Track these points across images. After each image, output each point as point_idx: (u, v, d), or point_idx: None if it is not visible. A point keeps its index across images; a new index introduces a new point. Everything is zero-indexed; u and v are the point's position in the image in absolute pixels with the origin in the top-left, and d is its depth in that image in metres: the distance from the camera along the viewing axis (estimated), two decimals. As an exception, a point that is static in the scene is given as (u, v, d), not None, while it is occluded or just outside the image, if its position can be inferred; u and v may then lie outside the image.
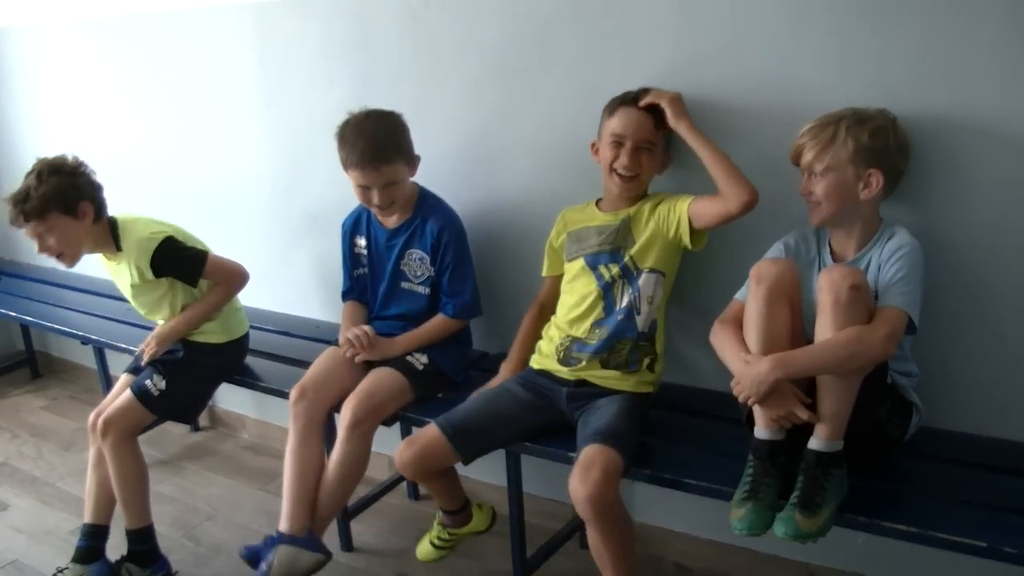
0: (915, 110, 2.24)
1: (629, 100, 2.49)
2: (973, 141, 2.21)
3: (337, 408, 2.74)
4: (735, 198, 2.31)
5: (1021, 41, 2.10)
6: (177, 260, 2.94)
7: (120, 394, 2.95)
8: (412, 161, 2.80)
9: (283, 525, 2.68)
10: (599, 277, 2.55)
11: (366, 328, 2.81)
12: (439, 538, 2.92)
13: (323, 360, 2.86)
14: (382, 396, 2.70)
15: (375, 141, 2.69)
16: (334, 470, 2.70)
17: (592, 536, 2.32)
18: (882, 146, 2.18)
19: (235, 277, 3.03)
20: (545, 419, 2.54)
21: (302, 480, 2.70)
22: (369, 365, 2.80)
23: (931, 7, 2.18)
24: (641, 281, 2.50)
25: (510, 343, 2.82)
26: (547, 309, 2.73)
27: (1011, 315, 2.28)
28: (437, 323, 2.87)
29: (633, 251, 2.51)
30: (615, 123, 2.50)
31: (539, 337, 2.70)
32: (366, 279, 3.01)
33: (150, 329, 3.18)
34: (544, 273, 2.76)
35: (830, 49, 2.32)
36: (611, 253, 2.54)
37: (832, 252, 2.31)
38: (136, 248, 2.90)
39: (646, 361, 2.54)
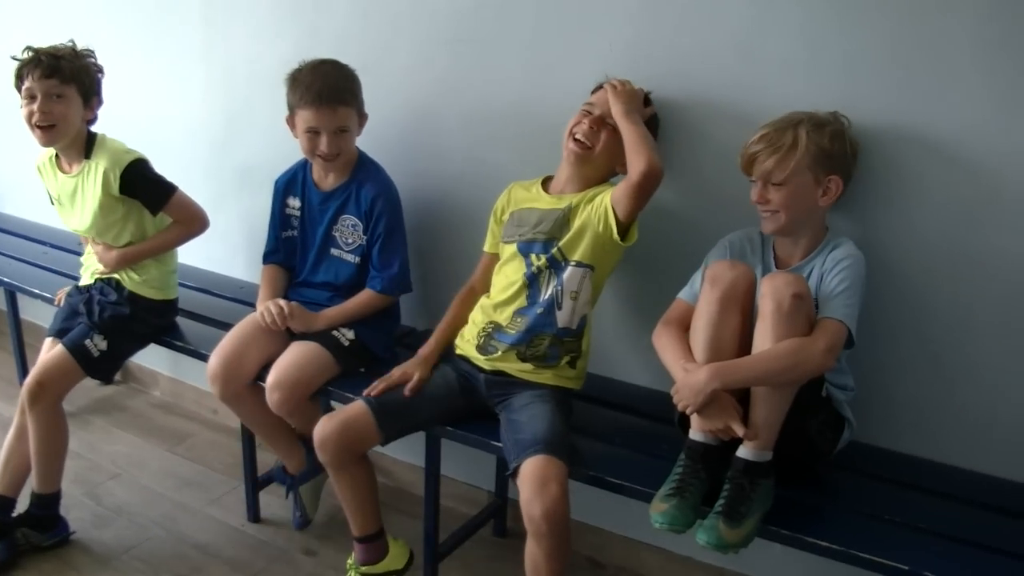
0: (872, 118, 2.20)
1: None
2: (926, 156, 2.18)
3: (259, 377, 2.67)
4: (634, 167, 2.23)
5: (987, 61, 2.07)
6: (147, 182, 2.82)
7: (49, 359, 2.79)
8: (363, 116, 2.74)
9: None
10: (528, 265, 2.45)
11: (282, 303, 2.70)
12: None
13: (240, 329, 2.76)
14: (304, 376, 2.61)
15: (333, 81, 2.63)
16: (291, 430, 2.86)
17: (535, 551, 2.20)
18: (840, 151, 2.14)
19: (196, 220, 2.91)
20: (469, 402, 2.47)
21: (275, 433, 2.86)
22: (292, 334, 2.70)
23: (902, 15, 2.14)
24: (566, 274, 2.40)
25: (435, 319, 2.73)
26: (477, 291, 2.64)
27: (946, 335, 2.26)
28: (364, 298, 2.77)
29: (562, 242, 2.41)
30: (592, 97, 2.44)
31: (464, 320, 2.61)
32: (295, 242, 2.90)
33: (70, 277, 3.07)
34: (485, 248, 2.65)
35: (796, 49, 2.27)
36: (544, 242, 2.44)
37: (776, 257, 2.26)
38: (110, 157, 2.77)
39: (566, 357, 2.46)
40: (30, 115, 2.71)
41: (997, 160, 2.11)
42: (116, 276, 2.89)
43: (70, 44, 2.80)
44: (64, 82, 2.71)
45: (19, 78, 2.72)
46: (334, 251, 2.82)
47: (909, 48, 2.14)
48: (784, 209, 2.14)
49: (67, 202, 2.89)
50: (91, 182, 2.79)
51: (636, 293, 2.60)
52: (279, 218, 2.91)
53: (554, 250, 2.41)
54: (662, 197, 2.39)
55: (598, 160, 2.41)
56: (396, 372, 2.50)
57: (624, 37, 2.49)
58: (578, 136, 2.40)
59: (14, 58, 2.74)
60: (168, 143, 2.95)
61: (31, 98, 2.70)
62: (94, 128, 2.86)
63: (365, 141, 2.81)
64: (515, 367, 2.44)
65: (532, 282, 2.44)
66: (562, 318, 2.41)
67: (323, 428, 2.42)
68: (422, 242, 2.91)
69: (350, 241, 2.79)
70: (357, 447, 2.48)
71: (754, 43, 2.32)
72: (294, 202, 2.88)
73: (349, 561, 2.68)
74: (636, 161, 2.24)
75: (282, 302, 2.70)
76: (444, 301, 2.73)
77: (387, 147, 2.88)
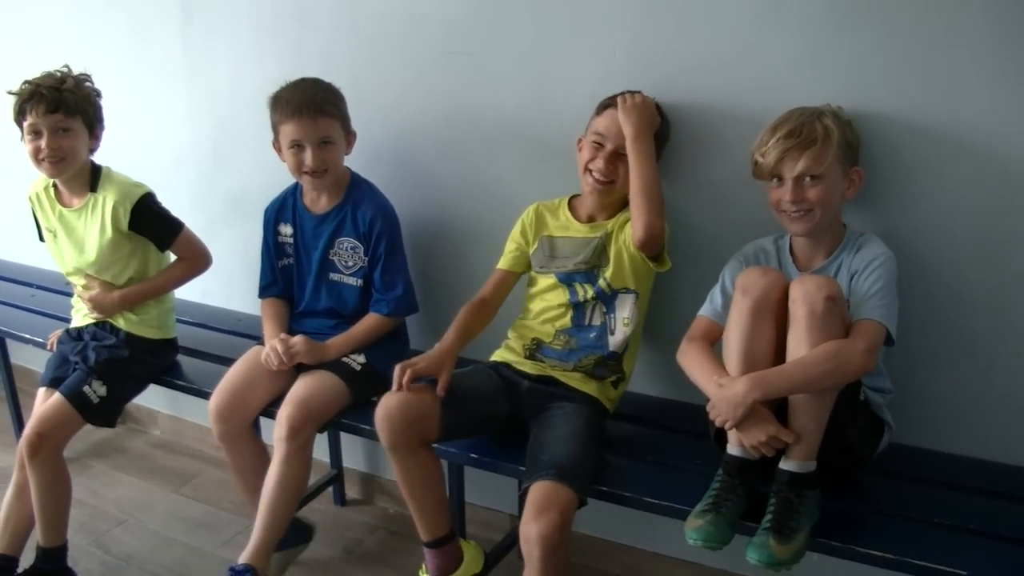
0: (887, 109, 2.14)
1: (613, 102, 2.34)
2: (945, 145, 2.12)
3: (264, 414, 2.58)
4: (635, 230, 2.24)
5: (1002, 51, 2.01)
6: (156, 218, 2.76)
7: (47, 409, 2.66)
8: (349, 130, 2.67)
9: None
10: (572, 293, 2.42)
11: (285, 341, 2.59)
12: None
13: (243, 364, 2.66)
14: (319, 401, 2.51)
15: (313, 93, 2.58)
16: (276, 489, 2.49)
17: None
18: (857, 141, 2.10)
19: (201, 257, 2.84)
20: (512, 406, 2.38)
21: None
22: (298, 368, 2.61)
23: (914, 8, 2.07)
24: (617, 302, 2.39)
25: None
26: (489, 305, 2.54)
27: (980, 325, 2.19)
28: (371, 323, 2.68)
29: (608, 273, 2.38)
30: (599, 123, 2.36)
31: (474, 331, 2.51)
32: (291, 271, 2.82)
33: (61, 319, 2.98)
34: (501, 266, 2.55)
35: (803, 45, 2.20)
36: (586, 272, 2.40)
37: (795, 260, 2.19)
38: (119, 191, 2.70)
39: (612, 377, 2.41)
40: (36, 151, 2.63)
41: (1019, 145, 2.04)
42: (110, 318, 2.79)
43: (65, 70, 2.70)
44: (69, 115, 2.64)
45: (20, 113, 2.63)
46: (333, 276, 2.74)
47: (923, 36, 2.08)
48: (820, 206, 2.06)
49: (65, 236, 2.79)
50: (97, 217, 2.71)
51: (652, 306, 2.50)
52: (273, 247, 2.82)
53: (600, 281, 2.37)
54: (671, 207, 2.34)
55: (622, 188, 2.35)
56: (420, 362, 2.33)
57: (626, 40, 2.41)
58: (596, 175, 2.34)
59: (11, 92, 2.65)
60: (154, 172, 2.84)
61: (36, 134, 2.62)
62: (96, 159, 2.79)
63: (358, 160, 2.73)
64: (563, 375, 2.39)
65: (578, 308, 2.41)
66: (614, 343, 2.39)
67: (387, 401, 2.29)
68: (423, 262, 2.83)
69: (350, 264, 2.71)
70: (421, 427, 2.30)
71: (759, 41, 2.25)
72: (286, 229, 2.79)
73: (422, 573, 2.48)
74: (636, 223, 2.23)
75: (285, 340, 2.59)
76: (450, 321, 2.64)
77: (381, 166, 2.81)
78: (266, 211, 2.83)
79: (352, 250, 2.69)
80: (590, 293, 2.39)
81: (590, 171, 2.35)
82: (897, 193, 2.19)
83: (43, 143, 2.61)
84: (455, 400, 2.30)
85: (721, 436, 2.05)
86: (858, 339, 1.92)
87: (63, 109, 2.62)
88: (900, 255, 2.10)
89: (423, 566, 2.46)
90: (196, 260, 2.82)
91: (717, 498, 1.96)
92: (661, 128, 2.34)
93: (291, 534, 2.67)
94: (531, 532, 2.03)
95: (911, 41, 2.09)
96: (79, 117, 2.66)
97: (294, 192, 2.78)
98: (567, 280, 2.42)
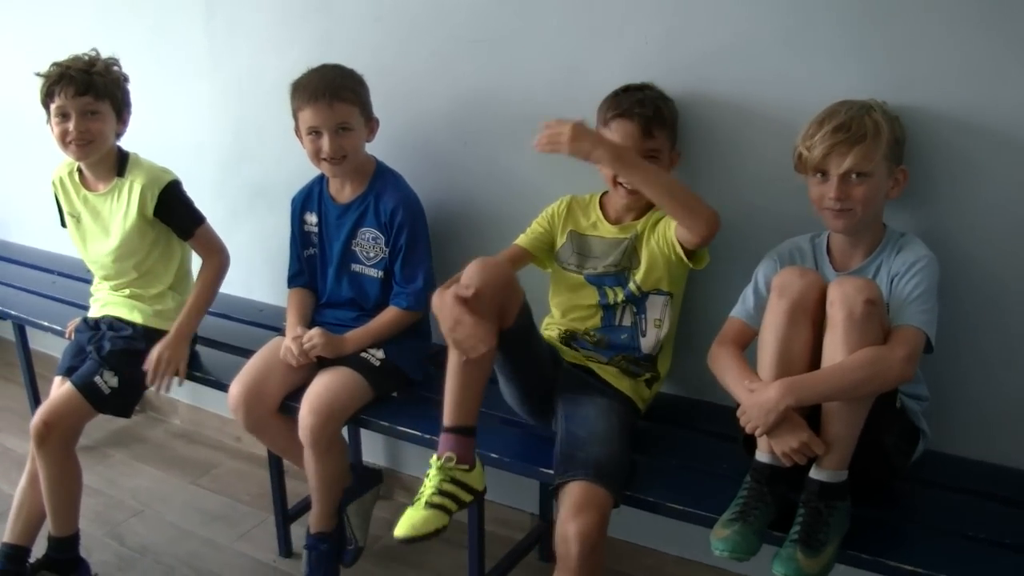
0: (930, 104, 2.06)
1: (626, 111, 2.26)
2: (990, 141, 2.03)
3: (282, 408, 2.55)
4: (692, 230, 2.14)
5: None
6: (181, 206, 2.74)
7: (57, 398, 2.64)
8: (370, 117, 2.63)
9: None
10: (602, 295, 2.36)
11: (302, 336, 2.55)
12: (440, 491, 2.11)
13: (263, 355, 2.62)
14: (339, 401, 2.46)
15: (331, 78, 2.54)
16: (319, 485, 2.54)
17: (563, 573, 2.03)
18: (904, 139, 2.01)
19: (222, 253, 2.81)
20: (552, 372, 2.31)
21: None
22: (319, 360, 2.56)
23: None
24: (648, 303, 2.33)
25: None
26: None
27: (1021, 333, 2.11)
28: (390, 316, 2.63)
29: (638, 276, 2.32)
30: (612, 135, 2.27)
31: None
32: (316, 261, 2.78)
33: (81, 307, 2.93)
34: (520, 243, 2.47)
35: (844, 35, 2.12)
36: (616, 275, 2.35)
37: (832, 260, 2.11)
38: (147, 176, 2.69)
39: (647, 375, 2.36)
40: (64, 134, 2.61)
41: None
42: (125, 310, 2.76)
43: (94, 53, 2.68)
44: (98, 98, 2.62)
45: (48, 95, 2.60)
46: (355, 267, 2.69)
47: (964, 25, 1.99)
48: (864, 205, 1.98)
49: (90, 221, 2.77)
50: (123, 201, 2.69)
51: (683, 306, 2.43)
52: (299, 237, 2.79)
53: (630, 284, 2.32)
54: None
55: None
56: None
57: (658, 30, 2.33)
58: (628, 185, 2.26)
59: (40, 75, 2.62)
60: (176, 161, 2.80)
61: (64, 116, 2.60)
62: (123, 145, 2.77)
63: (381, 150, 2.69)
64: (599, 367, 2.35)
65: (607, 309, 2.36)
66: (646, 344, 2.35)
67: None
68: (447, 254, 2.76)
69: (371, 255, 2.66)
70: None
71: (796, 31, 2.18)
72: (311, 218, 2.76)
73: (432, 460, 2.16)
74: (689, 224, 2.13)
75: (298, 339, 2.55)
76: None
77: (405, 156, 2.75)
78: (293, 200, 2.80)
79: (374, 240, 2.65)
80: (620, 296, 2.34)
81: (620, 183, 2.28)
82: (936, 191, 2.11)
83: (71, 125, 2.58)
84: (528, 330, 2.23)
85: (750, 442, 1.98)
86: (898, 346, 1.84)
87: (92, 92, 2.59)
88: (942, 257, 2.02)
89: (435, 456, 2.18)
90: (217, 256, 2.79)
91: (745, 506, 1.89)
92: (667, 111, 2.28)
93: (357, 483, 2.68)
94: (569, 530, 1.96)
95: (952, 31, 2.01)
96: (108, 100, 2.64)
97: (320, 181, 2.75)
98: (597, 282, 2.36)
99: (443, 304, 2.10)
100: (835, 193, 1.98)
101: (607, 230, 2.38)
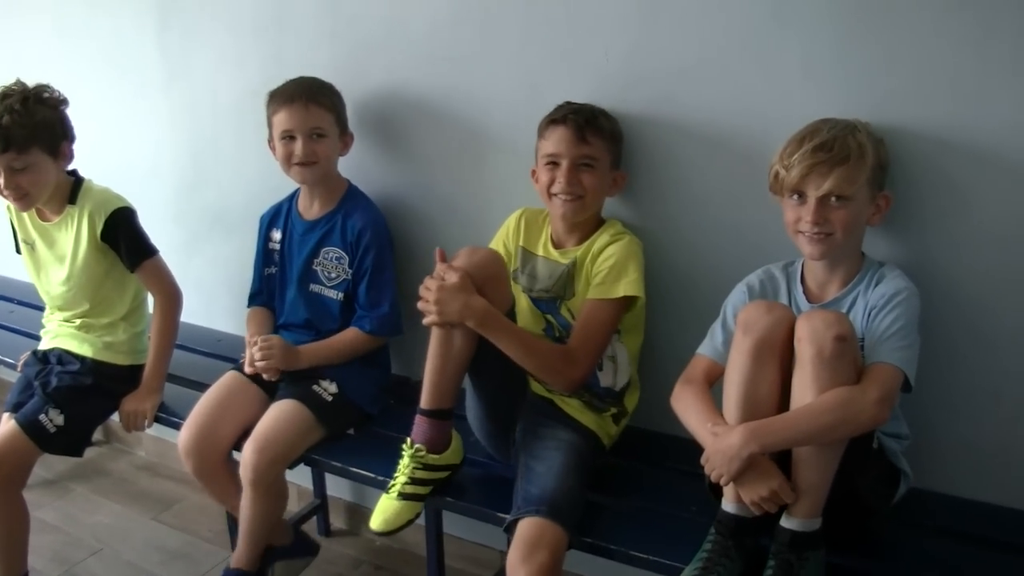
0: (910, 124, 1.93)
1: (559, 118, 2.18)
2: (974, 164, 1.90)
3: (237, 446, 2.43)
4: (553, 386, 2.20)
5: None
6: (130, 230, 2.59)
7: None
8: (345, 129, 2.58)
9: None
10: (548, 325, 2.26)
11: (260, 341, 2.46)
12: (412, 479, 2.10)
13: (215, 394, 2.51)
14: (285, 441, 2.35)
15: (307, 84, 2.51)
16: (251, 523, 2.41)
17: None
18: (887, 163, 1.89)
19: (174, 291, 2.67)
20: (518, 399, 2.24)
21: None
22: (271, 393, 2.47)
23: (938, 7, 1.86)
24: None
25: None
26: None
27: (1007, 366, 1.98)
28: (350, 337, 2.54)
29: (571, 304, 2.22)
30: (547, 145, 2.20)
31: None
32: (276, 279, 2.70)
33: (32, 337, 2.84)
34: (493, 246, 2.37)
35: (819, 50, 2.00)
36: (548, 301, 2.25)
37: (807, 291, 1.98)
38: (97, 201, 2.57)
39: (612, 410, 2.25)
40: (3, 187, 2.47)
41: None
42: (75, 343, 2.64)
43: (15, 87, 2.49)
44: (22, 151, 2.43)
45: None
46: (314, 287, 2.61)
47: (948, 41, 1.87)
48: (843, 230, 1.85)
49: (44, 249, 2.66)
50: (75, 228, 2.57)
51: (647, 336, 2.31)
52: (262, 254, 2.72)
53: (563, 313, 2.22)
54: (670, 224, 2.22)
55: (592, 203, 2.21)
56: None
57: (621, 44, 2.22)
58: (562, 194, 2.17)
59: None
60: (132, 186, 2.69)
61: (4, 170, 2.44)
62: (78, 171, 2.65)
63: (340, 169, 2.61)
64: (562, 400, 2.26)
65: (554, 339, 2.26)
66: (604, 379, 2.23)
67: None
68: (407, 280, 2.61)
69: (333, 275, 2.57)
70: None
71: (767, 46, 2.05)
72: (276, 235, 2.69)
73: (405, 447, 2.13)
74: (548, 381, 2.20)
75: (260, 340, 2.46)
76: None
77: (364, 177, 2.67)
78: (261, 217, 2.73)
79: (337, 260, 2.56)
80: (556, 324, 2.24)
81: (554, 194, 2.19)
82: (919, 216, 1.98)
83: (1, 183, 2.45)
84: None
85: (717, 487, 1.86)
86: (870, 387, 1.70)
87: (13, 147, 2.42)
88: (923, 287, 1.89)
89: (408, 440, 2.14)
90: (168, 294, 2.66)
91: (708, 562, 1.77)
92: (605, 121, 2.19)
93: (296, 546, 2.61)
94: (520, 574, 1.87)
95: (933, 46, 1.88)
96: (35, 147, 2.45)
97: (291, 199, 2.69)
98: (537, 306, 2.27)
99: (431, 279, 2.08)
100: (812, 216, 1.84)
101: (549, 252, 2.28)
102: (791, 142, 1.88)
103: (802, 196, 1.87)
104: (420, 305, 2.06)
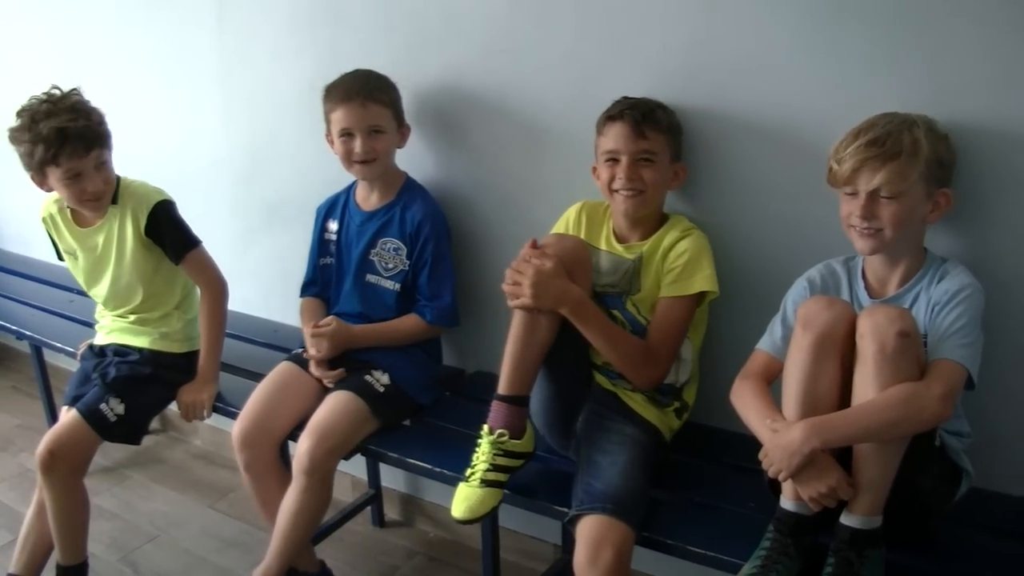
0: (970, 117, 1.89)
1: (616, 114, 2.16)
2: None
3: (292, 435, 2.45)
4: (633, 382, 2.18)
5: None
6: (172, 225, 2.62)
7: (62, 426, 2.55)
8: (402, 122, 2.58)
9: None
10: (611, 316, 2.22)
11: (324, 324, 2.50)
12: (494, 465, 2.08)
13: (269, 385, 2.53)
14: (341, 432, 2.36)
15: (364, 80, 2.51)
16: (292, 519, 2.38)
17: None
18: (950, 160, 1.84)
19: (219, 281, 2.68)
20: (585, 388, 2.25)
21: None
22: (325, 386, 2.49)
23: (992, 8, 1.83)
24: None
25: (488, 360, 2.50)
26: None
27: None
28: (410, 323, 2.56)
29: (639, 302, 2.21)
30: (606, 142, 2.19)
31: None
32: (331, 271, 2.71)
33: (88, 326, 2.86)
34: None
35: (878, 41, 1.96)
36: (615, 296, 2.23)
37: (868, 286, 1.95)
38: (136, 196, 2.60)
39: (675, 404, 2.24)
40: (81, 193, 2.50)
41: None
42: (131, 336, 2.68)
43: (60, 91, 2.51)
44: (103, 147, 2.51)
45: (53, 160, 2.43)
46: (370, 277, 2.62)
47: (1013, 34, 1.82)
48: (893, 227, 1.82)
49: (86, 257, 2.68)
50: (120, 228, 2.60)
51: (709, 330, 2.30)
52: (318, 244, 2.74)
53: (629, 307, 2.20)
54: (727, 218, 2.20)
55: (654, 197, 2.19)
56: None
57: (679, 36, 2.20)
58: (623, 190, 2.16)
59: (25, 131, 2.45)
60: (190, 179, 2.73)
61: (75, 177, 2.47)
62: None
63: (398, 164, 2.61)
64: (626, 395, 2.23)
65: None
66: (669, 375, 2.21)
67: None
68: (463, 275, 2.66)
69: (390, 266, 2.58)
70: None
71: (829, 37, 2.01)
72: (332, 225, 2.70)
73: (483, 433, 2.11)
74: (629, 376, 2.17)
75: (321, 329, 2.49)
76: (489, 339, 2.47)
77: (421, 172, 2.67)
78: (318, 208, 2.75)
79: (395, 251, 2.58)
80: (621, 319, 2.22)
81: (615, 190, 2.17)
82: (982, 212, 1.95)
83: (87, 185, 2.49)
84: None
85: (776, 484, 1.84)
86: (934, 383, 1.68)
87: (97, 147, 2.48)
88: (987, 284, 1.85)
89: (485, 427, 2.13)
90: (213, 285, 2.67)
91: (767, 560, 1.76)
92: (663, 115, 2.17)
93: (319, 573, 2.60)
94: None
95: (996, 36, 1.84)
96: (107, 146, 2.53)
97: (348, 190, 2.71)
98: (601, 300, 2.24)
99: (523, 263, 2.07)
100: (861, 211, 1.82)
101: (613, 247, 2.27)
102: (847, 136, 1.86)
103: (854, 190, 1.85)
104: (509, 288, 2.07)
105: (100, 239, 2.63)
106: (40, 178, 2.50)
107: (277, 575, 2.42)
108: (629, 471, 2.02)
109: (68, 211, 2.66)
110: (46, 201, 2.71)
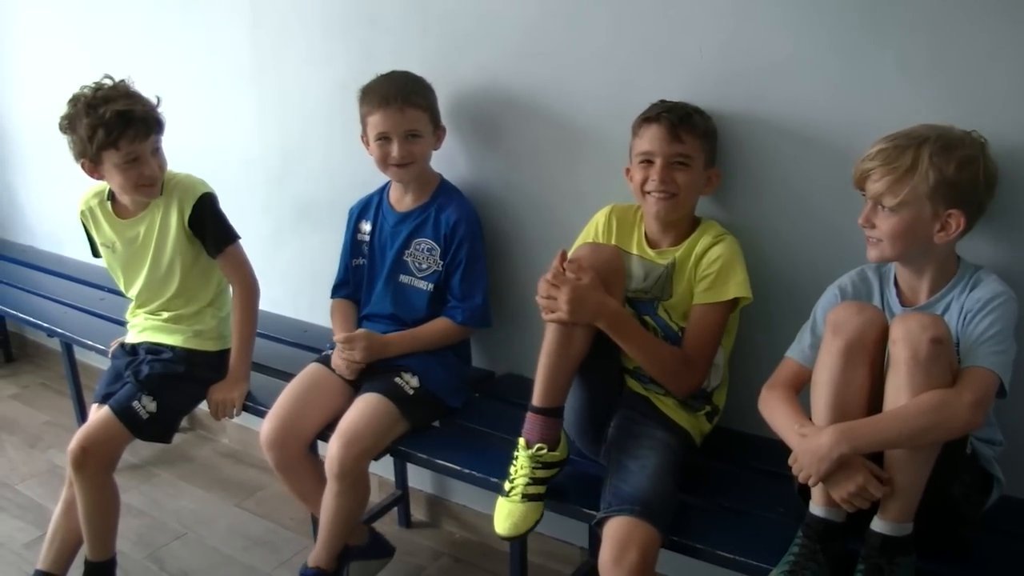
0: (1008, 127, 1.87)
1: (653, 116, 2.16)
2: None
3: (321, 436, 2.47)
4: (672, 391, 2.20)
5: None
6: (215, 218, 2.64)
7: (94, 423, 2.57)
8: (438, 123, 2.59)
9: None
10: (643, 325, 2.23)
11: (352, 338, 2.49)
12: (534, 479, 2.09)
13: (299, 385, 2.54)
14: (371, 435, 2.37)
15: (402, 83, 2.51)
16: (333, 519, 2.43)
17: None
18: (969, 182, 1.79)
19: (252, 279, 2.70)
20: (615, 391, 2.26)
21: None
22: (355, 387, 2.49)
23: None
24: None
25: (518, 363, 2.52)
26: None
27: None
28: (440, 326, 2.57)
29: (670, 308, 2.21)
30: (641, 144, 2.18)
31: None
32: (363, 272, 2.71)
33: (119, 324, 2.87)
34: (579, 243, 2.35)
35: (917, 48, 1.95)
36: (647, 302, 2.23)
37: (900, 293, 1.94)
38: (182, 187, 2.63)
39: (706, 408, 2.25)
40: (139, 178, 2.52)
41: None
42: (164, 335, 2.70)
43: (112, 79, 2.55)
44: (159, 133, 2.56)
45: (114, 144, 2.46)
46: (404, 278, 2.63)
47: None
48: (890, 240, 1.83)
49: (124, 249, 2.70)
50: (163, 218, 2.62)
51: (739, 337, 2.30)
52: (350, 245, 2.74)
53: (660, 313, 2.21)
54: (760, 223, 2.19)
55: (686, 201, 2.19)
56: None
57: (715, 40, 2.19)
58: (656, 192, 2.16)
59: (83, 115, 2.47)
60: (223, 178, 2.72)
61: (134, 161, 2.50)
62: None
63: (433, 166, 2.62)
64: (658, 399, 2.23)
65: None
66: None
67: None
68: (495, 277, 2.66)
69: (424, 266, 2.59)
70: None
71: (866, 43, 2.01)
72: (365, 226, 2.71)
73: (520, 447, 2.11)
74: (668, 387, 2.19)
75: (352, 338, 2.49)
76: (520, 342, 2.48)
77: (454, 173, 2.67)
78: (351, 209, 2.76)
79: (428, 252, 2.58)
80: (652, 325, 2.22)
81: (647, 192, 2.18)
82: (1017, 221, 1.93)
83: (144, 169, 2.52)
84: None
85: (805, 489, 1.84)
86: (965, 390, 1.67)
87: (154, 132, 2.53)
88: (1018, 292, 1.83)
89: (521, 441, 2.13)
90: (247, 284, 2.68)
91: (794, 566, 1.76)
92: (699, 119, 2.17)
93: (372, 547, 2.63)
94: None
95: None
96: (162, 132, 2.57)
97: (382, 191, 2.71)
98: (632, 305, 2.25)
99: (557, 275, 2.06)
100: (863, 218, 1.86)
101: (644, 251, 2.27)
102: (875, 143, 1.86)
103: (864, 196, 1.87)
104: (544, 302, 2.06)
105: (141, 229, 2.65)
106: (94, 165, 2.52)
107: (327, 563, 2.47)
108: (657, 475, 2.02)
109: (108, 204, 2.69)
110: (85, 195, 2.73)
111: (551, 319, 2.06)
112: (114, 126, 2.44)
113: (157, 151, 2.55)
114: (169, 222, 2.61)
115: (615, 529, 1.91)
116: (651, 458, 2.06)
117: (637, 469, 2.04)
